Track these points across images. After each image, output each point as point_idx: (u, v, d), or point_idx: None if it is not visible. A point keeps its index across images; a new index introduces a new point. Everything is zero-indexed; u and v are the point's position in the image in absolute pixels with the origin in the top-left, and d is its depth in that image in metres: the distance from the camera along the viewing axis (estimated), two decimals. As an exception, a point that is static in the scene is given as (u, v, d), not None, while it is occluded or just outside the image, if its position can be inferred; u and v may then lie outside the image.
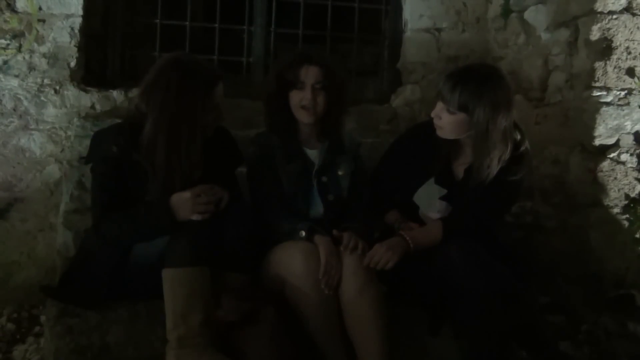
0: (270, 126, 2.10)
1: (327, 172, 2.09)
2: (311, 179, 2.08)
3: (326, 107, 2.04)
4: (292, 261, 1.85)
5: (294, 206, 2.03)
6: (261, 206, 2.01)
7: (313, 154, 2.11)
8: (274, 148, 2.06)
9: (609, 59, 2.45)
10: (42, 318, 2.36)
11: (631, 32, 2.46)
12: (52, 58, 2.69)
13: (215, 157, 1.94)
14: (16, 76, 2.67)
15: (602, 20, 2.45)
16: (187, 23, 3.01)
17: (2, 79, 2.66)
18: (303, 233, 1.91)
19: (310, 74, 2.01)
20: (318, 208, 2.07)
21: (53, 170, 2.68)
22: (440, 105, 1.96)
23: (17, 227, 2.68)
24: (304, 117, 2.04)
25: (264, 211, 1.99)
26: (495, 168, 1.95)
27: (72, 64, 2.71)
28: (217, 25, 3.05)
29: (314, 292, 1.81)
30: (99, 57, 2.94)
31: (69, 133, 2.65)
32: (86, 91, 2.73)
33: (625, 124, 2.48)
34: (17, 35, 2.66)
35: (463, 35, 3.12)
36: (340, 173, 2.11)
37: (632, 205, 2.45)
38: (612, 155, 2.47)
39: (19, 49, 2.66)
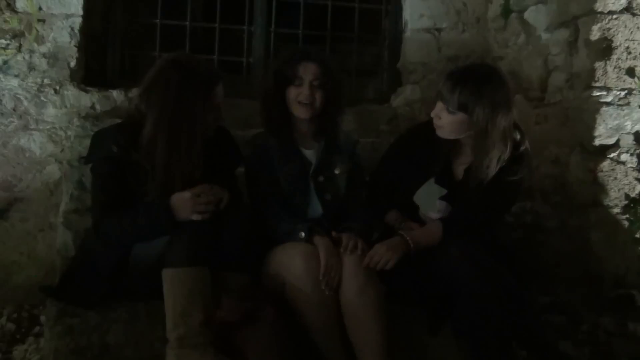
0: (267, 125, 2.10)
1: (323, 171, 2.09)
2: (308, 178, 2.08)
3: (323, 104, 2.05)
4: (292, 262, 1.85)
5: (293, 206, 2.03)
6: (260, 207, 2.01)
7: (309, 153, 2.11)
8: (270, 149, 2.06)
9: (609, 59, 2.45)
10: (42, 318, 2.37)
11: (631, 32, 2.46)
12: (52, 58, 2.69)
13: (215, 157, 1.94)
14: (16, 76, 2.67)
15: (602, 20, 2.45)
16: (187, 23, 3.02)
17: (2, 79, 2.66)
18: (302, 234, 1.91)
19: (308, 71, 2.02)
20: (316, 208, 2.07)
21: (53, 170, 2.69)
22: (440, 105, 1.96)
23: (17, 227, 2.68)
24: (300, 113, 2.04)
25: (262, 212, 1.99)
26: (494, 168, 1.95)
27: (72, 64, 2.71)
28: (217, 25, 3.05)
29: (314, 293, 1.81)
30: (99, 57, 2.94)
31: (69, 133, 2.65)
32: (86, 91, 2.73)
33: (625, 124, 2.48)
34: (17, 35, 2.66)
35: (463, 35, 3.13)
36: (336, 172, 2.11)
37: (632, 205, 2.45)
38: (612, 155, 2.47)
39: (19, 49, 2.67)
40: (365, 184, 2.19)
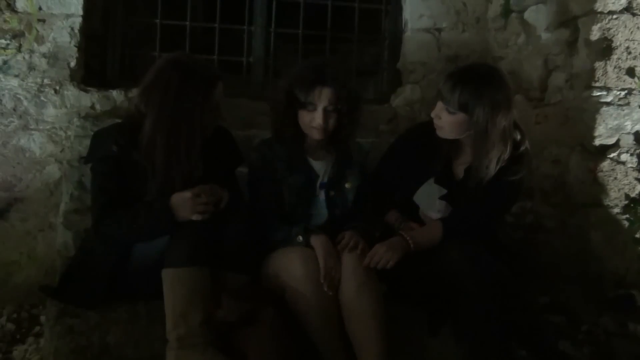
0: (276, 136, 2.07)
1: (334, 186, 2.07)
2: (314, 190, 2.06)
3: (337, 125, 2.00)
4: (291, 266, 1.85)
5: (295, 217, 2.01)
6: (258, 216, 1.99)
7: (318, 164, 2.08)
8: (277, 158, 2.03)
9: (609, 59, 2.45)
10: (42, 318, 2.36)
11: (631, 32, 2.46)
12: (52, 58, 2.69)
13: (215, 157, 1.94)
14: (16, 76, 2.67)
15: (602, 20, 2.45)
16: (187, 23, 3.01)
17: (2, 79, 2.66)
18: (300, 238, 1.91)
19: (323, 97, 1.94)
20: (320, 219, 2.05)
21: (53, 170, 2.68)
22: (440, 105, 1.96)
23: (17, 227, 2.68)
24: (314, 135, 2.00)
25: (261, 221, 1.97)
26: (494, 168, 1.95)
27: (72, 64, 2.71)
28: (217, 25, 3.05)
29: (314, 296, 1.81)
30: (99, 57, 2.94)
31: (69, 133, 2.65)
32: (86, 91, 2.73)
33: (625, 124, 2.48)
34: (17, 35, 2.66)
35: (463, 35, 3.13)
36: (347, 186, 2.08)
37: (632, 205, 2.45)
38: (612, 155, 2.47)
39: (19, 49, 2.67)
40: (368, 187, 2.17)
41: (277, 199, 2.01)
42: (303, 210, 2.03)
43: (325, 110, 1.96)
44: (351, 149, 2.11)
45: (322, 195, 2.06)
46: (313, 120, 1.97)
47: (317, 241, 1.89)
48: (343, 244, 1.89)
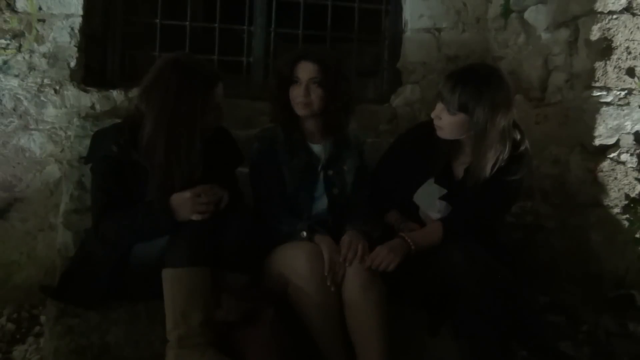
0: (275, 121, 2.11)
1: (332, 166, 2.10)
2: (315, 173, 2.08)
3: (323, 102, 2.02)
4: (296, 261, 1.85)
5: (297, 202, 2.03)
6: (262, 206, 2.01)
7: (318, 148, 2.10)
8: (277, 143, 2.06)
9: (609, 59, 2.45)
10: (42, 318, 2.37)
11: (631, 32, 2.46)
12: (52, 58, 2.69)
13: (215, 157, 1.93)
14: (16, 76, 2.67)
15: (602, 20, 2.45)
16: (187, 23, 3.02)
17: (2, 79, 2.66)
18: (304, 233, 1.91)
19: (305, 70, 2.01)
20: (321, 203, 2.07)
21: (53, 170, 2.69)
22: (440, 106, 1.96)
23: (17, 227, 2.68)
24: (299, 110, 2.04)
25: (264, 211, 1.99)
26: (493, 168, 1.95)
27: (72, 64, 2.72)
28: (217, 25, 3.05)
29: (317, 293, 1.81)
30: (99, 57, 2.94)
31: (69, 133, 2.65)
32: (86, 91, 2.73)
33: (625, 124, 2.48)
34: (17, 35, 2.67)
35: (463, 35, 3.13)
36: (345, 168, 2.11)
37: (632, 205, 2.45)
38: (612, 155, 2.48)
39: (19, 49, 2.67)
40: (368, 183, 2.19)
41: (280, 183, 2.03)
42: (305, 194, 2.05)
43: (308, 83, 2.00)
44: (347, 133, 2.14)
45: (322, 177, 2.09)
46: (298, 94, 2.01)
47: (321, 239, 1.90)
48: (344, 255, 1.87)
